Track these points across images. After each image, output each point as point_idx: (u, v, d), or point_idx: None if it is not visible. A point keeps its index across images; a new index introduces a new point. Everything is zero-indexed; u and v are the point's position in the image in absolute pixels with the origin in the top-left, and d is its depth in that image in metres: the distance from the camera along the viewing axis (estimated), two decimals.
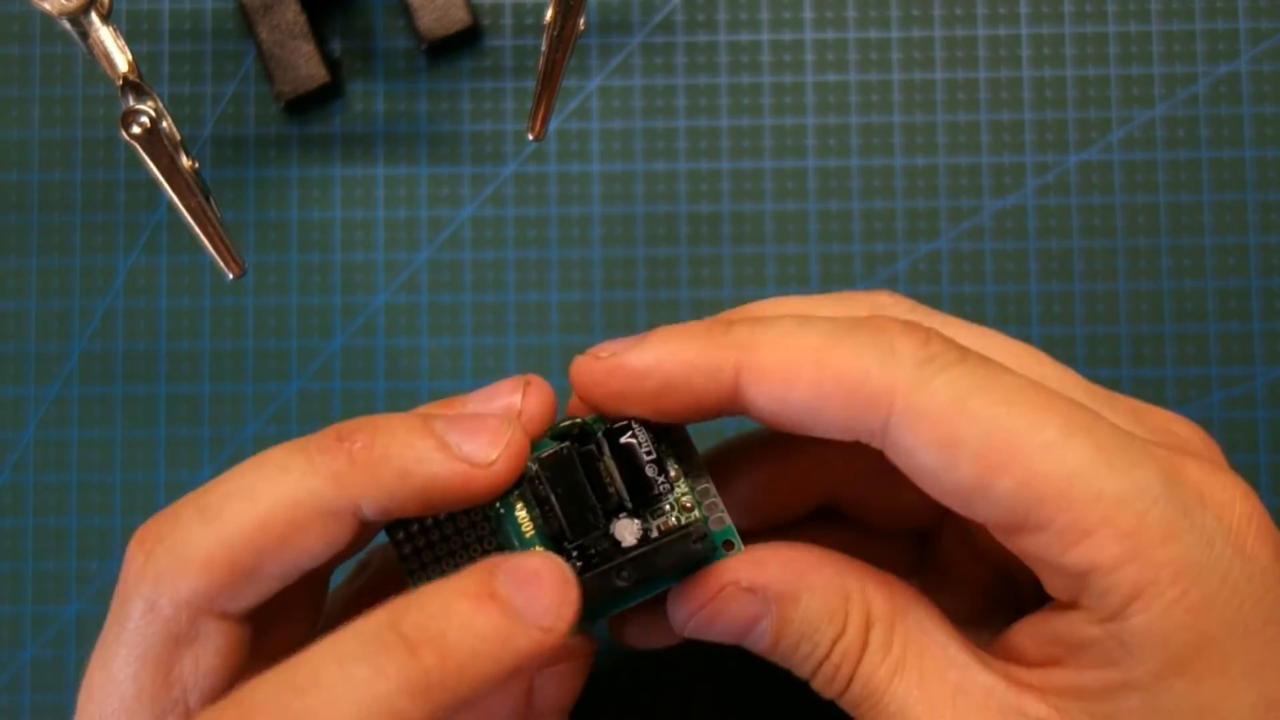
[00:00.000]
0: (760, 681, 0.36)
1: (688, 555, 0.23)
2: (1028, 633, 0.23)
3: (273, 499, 0.22)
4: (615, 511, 0.24)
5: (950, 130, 0.37)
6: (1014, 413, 0.21)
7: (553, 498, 0.23)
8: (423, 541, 0.24)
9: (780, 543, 0.24)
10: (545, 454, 0.23)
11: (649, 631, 0.27)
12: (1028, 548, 0.21)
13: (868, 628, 0.23)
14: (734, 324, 0.23)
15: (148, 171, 0.30)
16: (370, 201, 0.38)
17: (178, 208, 0.30)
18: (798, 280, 0.37)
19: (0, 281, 0.38)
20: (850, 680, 0.23)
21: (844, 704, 0.23)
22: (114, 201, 0.38)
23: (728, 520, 0.24)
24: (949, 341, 0.22)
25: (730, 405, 0.23)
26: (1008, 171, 0.37)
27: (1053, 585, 0.22)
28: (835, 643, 0.23)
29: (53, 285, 0.38)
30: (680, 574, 0.24)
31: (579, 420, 0.24)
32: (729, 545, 0.24)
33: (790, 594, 0.23)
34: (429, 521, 0.24)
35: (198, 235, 0.30)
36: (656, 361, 0.23)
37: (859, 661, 0.23)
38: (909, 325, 0.22)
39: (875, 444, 0.22)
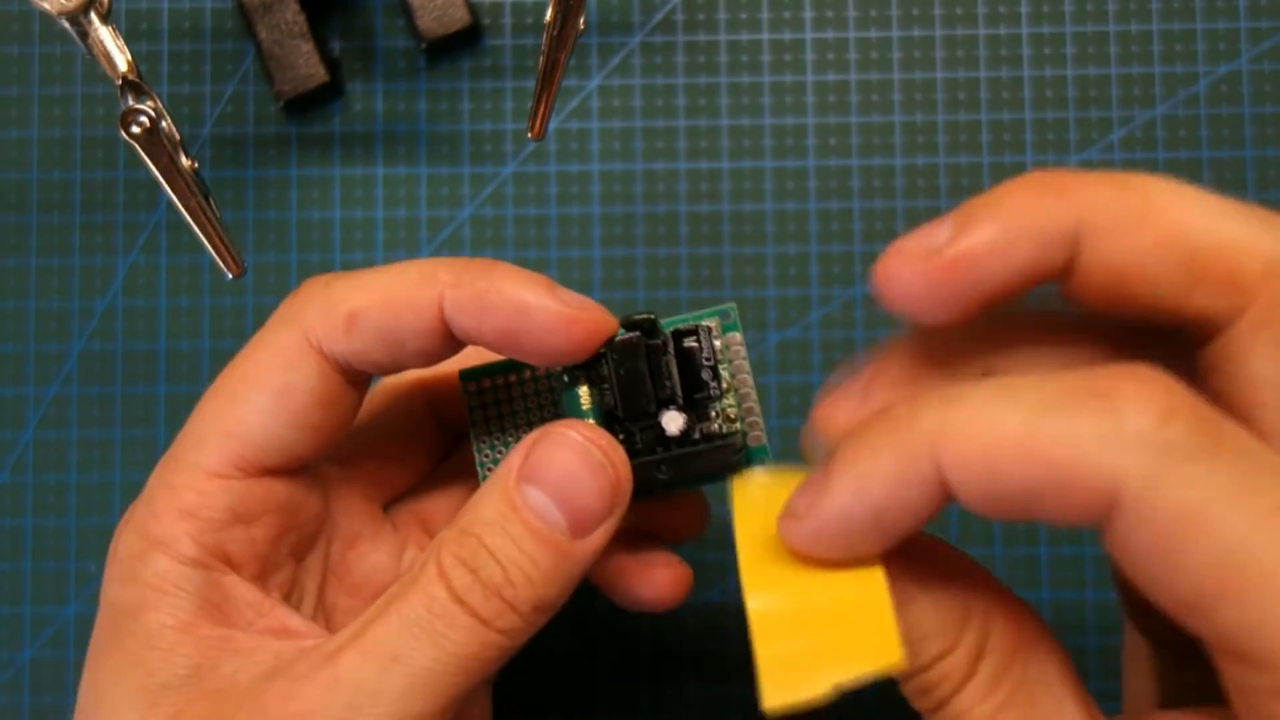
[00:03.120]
0: None
1: (725, 464, 0.25)
2: None
3: (395, 280, 0.25)
4: (666, 403, 0.25)
5: (950, 130, 0.37)
6: (1263, 531, 0.17)
7: (614, 377, 0.25)
8: (490, 397, 0.27)
9: (927, 535, 0.23)
10: (616, 339, 0.26)
11: (644, 588, 0.28)
12: (1228, 670, 0.19)
13: (979, 657, 0.21)
14: (921, 410, 0.19)
15: (147, 171, 0.29)
16: (370, 201, 0.38)
17: (177, 207, 0.30)
18: (798, 281, 0.37)
19: (0, 281, 0.38)
20: (943, 705, 0.21)
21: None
22: (114, 201, 0.38)
23: (764, 439, 0.26)
24: (1199, 417, 0.18)
25: (943, 503, 0.20)
26: (1008, 171, 0.37)
27: (1237, 706, 0.19)
28: (938, 659, 0.21)
29: (52, 285, 0.38)
30: (714, 479, 0.25)
31: (650, 315, 0.26)
32: (760, 463, 0.26)
33: (907, 594, 0.21)
34: (500, 380, 0.27)
35: (197, 235, 0.30)
36: (847, 512, 0.20)
37: (958, 689, 0.21)
38: (1145, 386, 0.18)
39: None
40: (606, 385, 0.25)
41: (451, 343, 0.25)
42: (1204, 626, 0.18)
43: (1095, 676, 0.36)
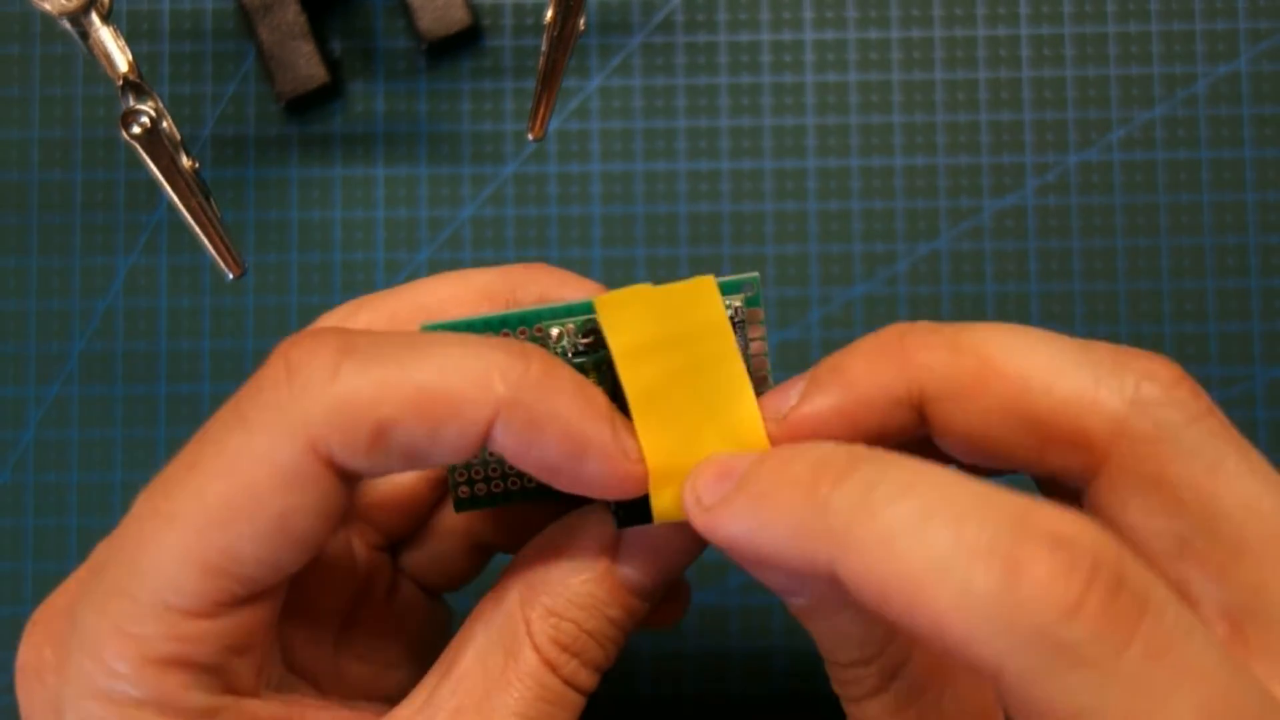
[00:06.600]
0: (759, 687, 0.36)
1: None
2: None
3: (435, 374, 0.20)
4: None
5: (950, 130, 0.38)
6: None
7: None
8: (480, 474, 0.24)
9: None
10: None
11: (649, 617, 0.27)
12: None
13: (892, 677, 0.21)
14: (837, 491, 0.18)
15: (148, 171, 0.30)
16: (370, 201, 0.38)
17: (178, 208, 0.30)
18: (797, 281, 0.37)
19: (0, 281, 0.38)
20: (853, 702, 0.22)
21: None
22: (114, 201, 0.38)
23: None
24: (1115, 609, 0.16)
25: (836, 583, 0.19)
26: (1008, 171, 0.37)
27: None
28: (853, 665, 0.21)
29: (53, 285, 0.38)
30: None
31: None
32: None
33: (837, 600, 0.21)
34: (491, 469, 0.24)
35: (198, 235, 0.30)
36: (747, 535, 0.19)
37: (867, 697, 0.21)
38: (1064, 562, 0.16)
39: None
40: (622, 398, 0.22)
41: (478, 454, 0.21)
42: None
43: None
